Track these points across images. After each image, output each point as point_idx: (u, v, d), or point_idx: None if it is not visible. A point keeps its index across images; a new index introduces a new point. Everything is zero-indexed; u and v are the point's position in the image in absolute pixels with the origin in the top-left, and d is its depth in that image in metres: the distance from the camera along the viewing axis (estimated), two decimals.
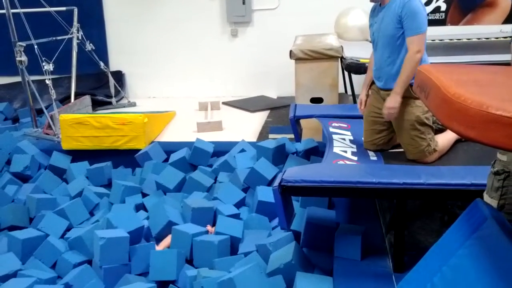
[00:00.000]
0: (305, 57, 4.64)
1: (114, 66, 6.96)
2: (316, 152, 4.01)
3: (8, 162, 4.73)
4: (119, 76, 6.91)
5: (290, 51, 4.69)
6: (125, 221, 3.27)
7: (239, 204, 3.75)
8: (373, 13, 3.23)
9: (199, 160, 4.37)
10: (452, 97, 1.56)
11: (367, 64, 3.57)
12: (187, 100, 6.53)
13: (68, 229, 3.71)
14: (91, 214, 3.99)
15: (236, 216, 3.52)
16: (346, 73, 5.12)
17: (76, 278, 2.94)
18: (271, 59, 6.50)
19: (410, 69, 2.93)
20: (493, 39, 5.32)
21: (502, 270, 1.47)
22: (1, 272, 3.09)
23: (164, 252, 3.08)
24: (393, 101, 3.02)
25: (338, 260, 2.58)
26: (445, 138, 3.23)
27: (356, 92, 5.00)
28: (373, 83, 3.33)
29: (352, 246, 2.58)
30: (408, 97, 3.03)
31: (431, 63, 3.08)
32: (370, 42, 3.37)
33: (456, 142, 3.29)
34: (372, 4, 3.24)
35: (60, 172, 4.58)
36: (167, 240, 3.33)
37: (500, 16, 5.73)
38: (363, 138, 3.42)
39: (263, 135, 5.02)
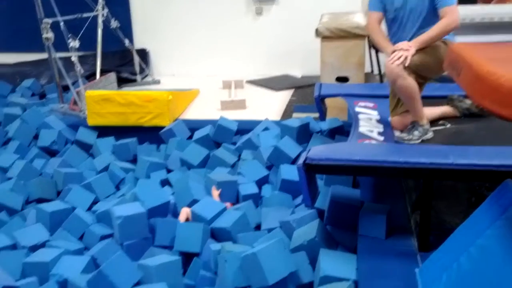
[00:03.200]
0: (331, 35, 4.57)
1: (138, 44, 6.97)
2: (341, 132, 3.97)
3: (36, 137, 4.82)
4: (143, 54, 6.93)
5: (316, 29, 4.63)
6: (152, 196, 3.32)
7: (262, 181, 3.76)
8: None
9: (223, 137, 4.38)
10: (485, 74, 1.53)
11: None
12: (211, 79, 6.52)
13: (95, 202, 3.78)
14: (117, 188, 4.06)
15: (255, 196, 3.53)
16: (373, 51, 5.04)
17: (101, 252, 2.94)
18: (296, 38, 6.41)
19: (439, 33, 2.92)
20: None
21: None
22: (31, 242, 3.18)
23: (190, 224, 3.10)
24: (407, 44, 2.95)
25: (362, 238, 2.57)
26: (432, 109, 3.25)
27: (382, 71, 4.92)
28: None
29: (376, 225, 2.57)
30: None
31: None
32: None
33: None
34: None
35: (86, 147, 4.65)
36: (187, 211, 3.33)
37: None
38: (389, 112, 3.36)
39: (287, 113, 5.00)
